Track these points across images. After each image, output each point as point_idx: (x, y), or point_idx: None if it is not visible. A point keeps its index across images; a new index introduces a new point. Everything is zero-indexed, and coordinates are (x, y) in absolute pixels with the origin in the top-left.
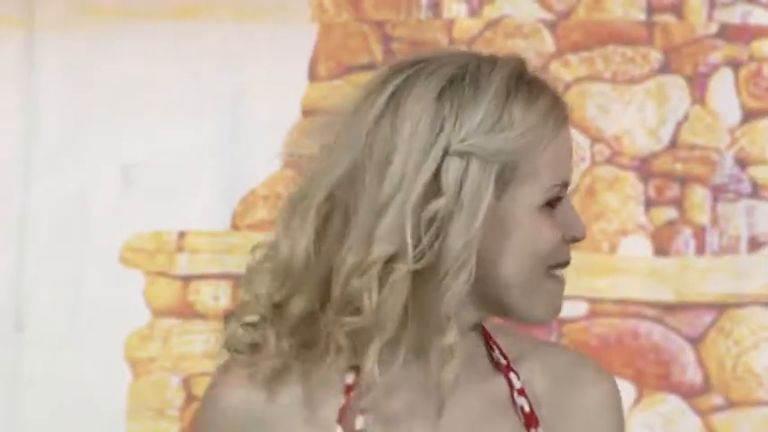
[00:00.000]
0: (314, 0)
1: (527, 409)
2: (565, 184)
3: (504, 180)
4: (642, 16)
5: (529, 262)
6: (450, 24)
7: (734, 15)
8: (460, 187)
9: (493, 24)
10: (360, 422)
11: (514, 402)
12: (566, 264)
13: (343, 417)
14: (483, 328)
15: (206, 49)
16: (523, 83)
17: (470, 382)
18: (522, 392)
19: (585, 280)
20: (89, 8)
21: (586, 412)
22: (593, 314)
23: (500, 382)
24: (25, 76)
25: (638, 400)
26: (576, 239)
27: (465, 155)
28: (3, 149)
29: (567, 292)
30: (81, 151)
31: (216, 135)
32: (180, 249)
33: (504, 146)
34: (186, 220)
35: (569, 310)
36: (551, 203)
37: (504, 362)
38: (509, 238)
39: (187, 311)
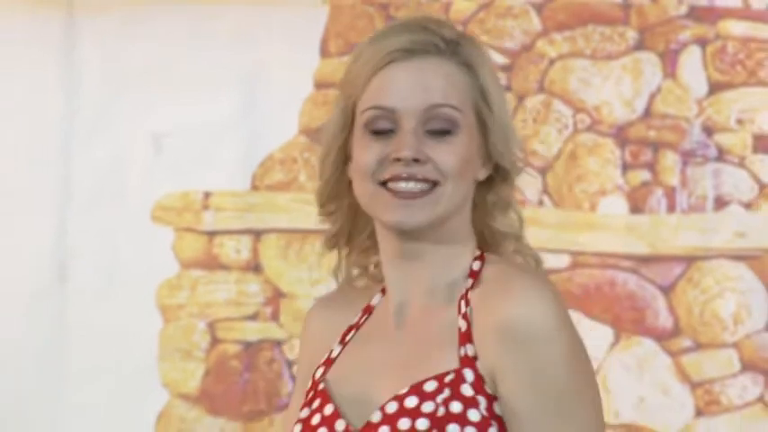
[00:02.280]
0: None
1: (464, 329)
2: (381, 108)
3: (353, 109)
4: None
5: (359, 180)
6: (447, 6)
7: None
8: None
9: (486, 6)
10: (349, 335)
11: (458, 322)
12: (394, 180)
13: (346, 333)
14: (481, 260)
15: (227, 30)
16: (393, 28)
17: (430, 309)
18: (464, 316)
19: (568, 235)
20: None
21: (497, 326)
22: (575, 265)
23: (453, 308)
24: (65, 54)
25: (615, 342)
26: (396, 159)
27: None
28: (46, 120)
29: (551, 245)
30: (116, 121)
31: (237, 106)
32: (205, 208)
33: (347, 77)
34: (211, 181)
35: (554, 261)
36: (374, 131)
37: (463, 291)
38: (354, 160)
39: (212, 263)
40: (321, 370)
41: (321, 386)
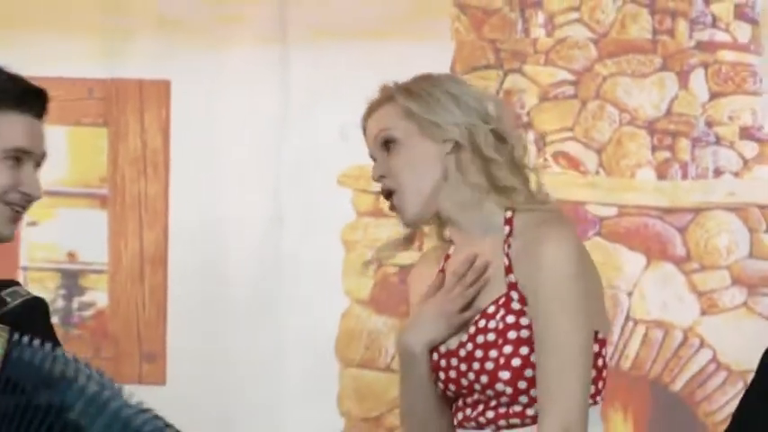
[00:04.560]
0: (452, 26)
1: (506, 264)
2: None
3: None
4: (650, 36)
5: None
6: (535, 41)
7: (705, 35)
8: None
9: (561, 41)
10: (440, 276)
11: (502, 260)
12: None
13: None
14: (512, 211)
15: (389, 56)
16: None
17: (483, 252)
18: (507, 255)
19: (616, 194)
20: (320, 31)
21: (539, 264)
22: (620, 214)
23: (498, 249)
24: (280, 74)
25: (647, 265)
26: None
27: None
28: (266, 119)
29: (605, 201)
30: (316, 118)
31: None
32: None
33: None
34: None
35: (606, 212)
36: None
37: (507, 233)
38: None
39: (378, 213)
40: None
41: None
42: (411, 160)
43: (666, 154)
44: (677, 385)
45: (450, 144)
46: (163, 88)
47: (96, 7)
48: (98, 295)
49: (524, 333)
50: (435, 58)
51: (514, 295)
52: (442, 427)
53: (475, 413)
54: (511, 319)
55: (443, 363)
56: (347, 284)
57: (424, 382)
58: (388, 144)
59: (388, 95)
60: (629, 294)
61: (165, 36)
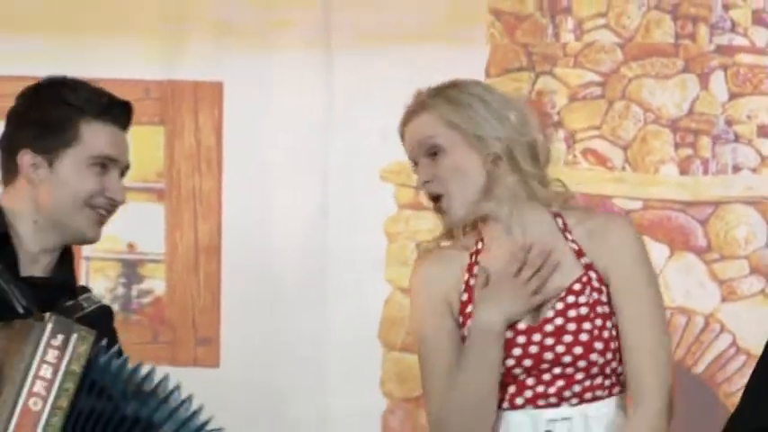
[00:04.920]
0: (487, 31)
1: (576, 248)
2: None
3: None
4: (672, 40)
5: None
6: (564, 46)
7: (724, 40)
8: None
9: (588, 45)
10: (475, 269)
11: (569, 246)
12: None
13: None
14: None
15: (427, 61)
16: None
17: (533, 237)
18: (573, 241)
19: (641, 188)
20: (362, 36)
21: (613, 244)
22: (645, 207)
23: (560, 237)
24: (324, 77)
25: (670, 256)
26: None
27: None
28: (313, 122)
29: (631, 195)
30: (358, 120)
31: None
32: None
33: None
34: None
35: (632, 205)
36: None
37: (561, 226)
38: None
39: (418, 206)
40: (466, 296)
41: None
42: (458, 168)
43: (688, 151)
44: (699, 368)
45: (491, 156)
46: (216, 89)
47: (154, 13)
48: (156, 283)
49: (606, 309)
50: (471, 61)
51: (592, 275)
52: (495, 402)
53: (554, 389)
54: (596, 295)
55: (521, 339)
56: (389, 273)
57: (496, 358)
58: (433, 151)
59: (423, 103)
60: None
61: (219, 40)
